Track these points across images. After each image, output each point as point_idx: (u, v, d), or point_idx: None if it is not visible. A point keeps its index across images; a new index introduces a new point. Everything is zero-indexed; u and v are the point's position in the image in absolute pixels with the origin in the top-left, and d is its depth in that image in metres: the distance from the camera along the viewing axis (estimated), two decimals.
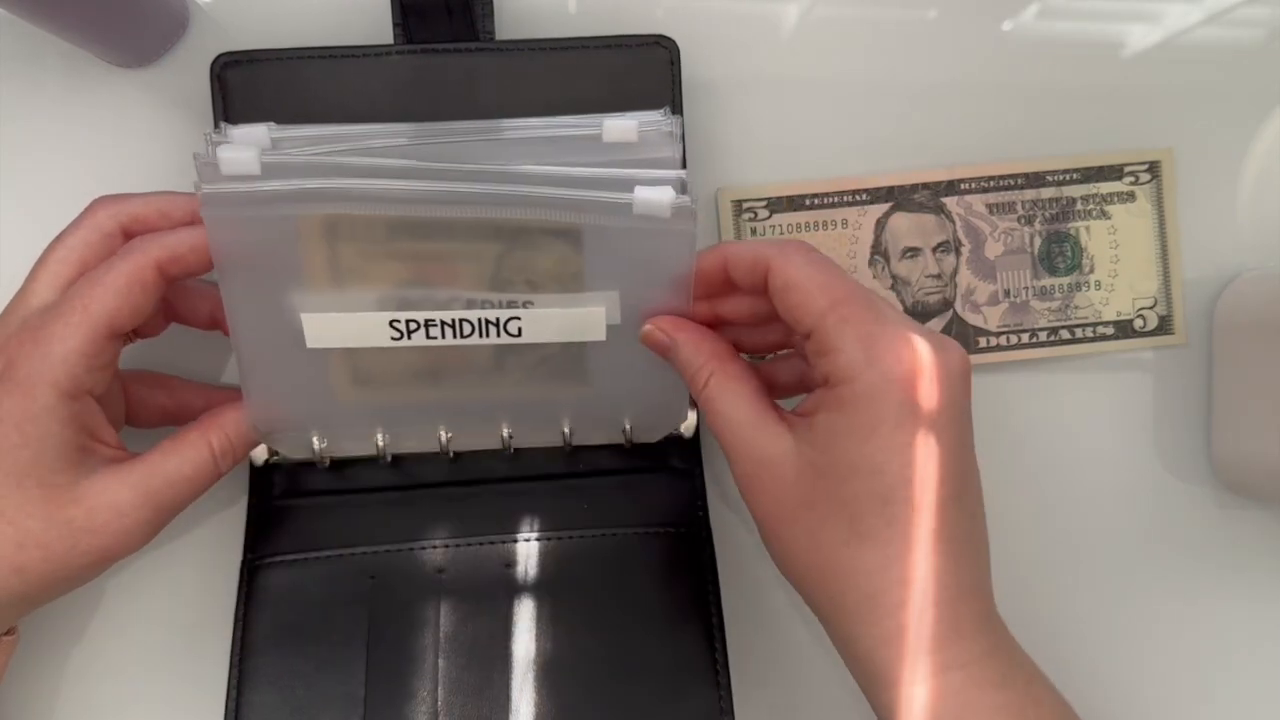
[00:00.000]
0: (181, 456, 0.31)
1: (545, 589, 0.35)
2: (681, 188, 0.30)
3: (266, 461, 0.37)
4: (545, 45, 0.37)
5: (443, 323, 0.32)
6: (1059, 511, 0.41)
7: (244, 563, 0.36)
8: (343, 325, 0.32)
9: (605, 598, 0.35)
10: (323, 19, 0.38)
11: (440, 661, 0.34)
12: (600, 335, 0.33)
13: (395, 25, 0.37)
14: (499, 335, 0.33)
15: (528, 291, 0.32)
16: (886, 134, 0.40)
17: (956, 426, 0.28)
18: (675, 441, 0.38)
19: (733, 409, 0.30)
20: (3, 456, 0.28)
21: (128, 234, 0.31)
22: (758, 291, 0.31)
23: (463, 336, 0.32)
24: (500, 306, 0.32)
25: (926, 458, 0.27)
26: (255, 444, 0.34)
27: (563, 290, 0.32)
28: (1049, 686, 0.29)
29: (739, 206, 0.39)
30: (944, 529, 0.28)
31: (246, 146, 0.30)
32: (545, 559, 0.36)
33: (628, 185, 0.30)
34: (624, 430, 0.37)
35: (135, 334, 0.33)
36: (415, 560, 0.35)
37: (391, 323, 0.32)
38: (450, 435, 0.36)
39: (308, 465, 0.37)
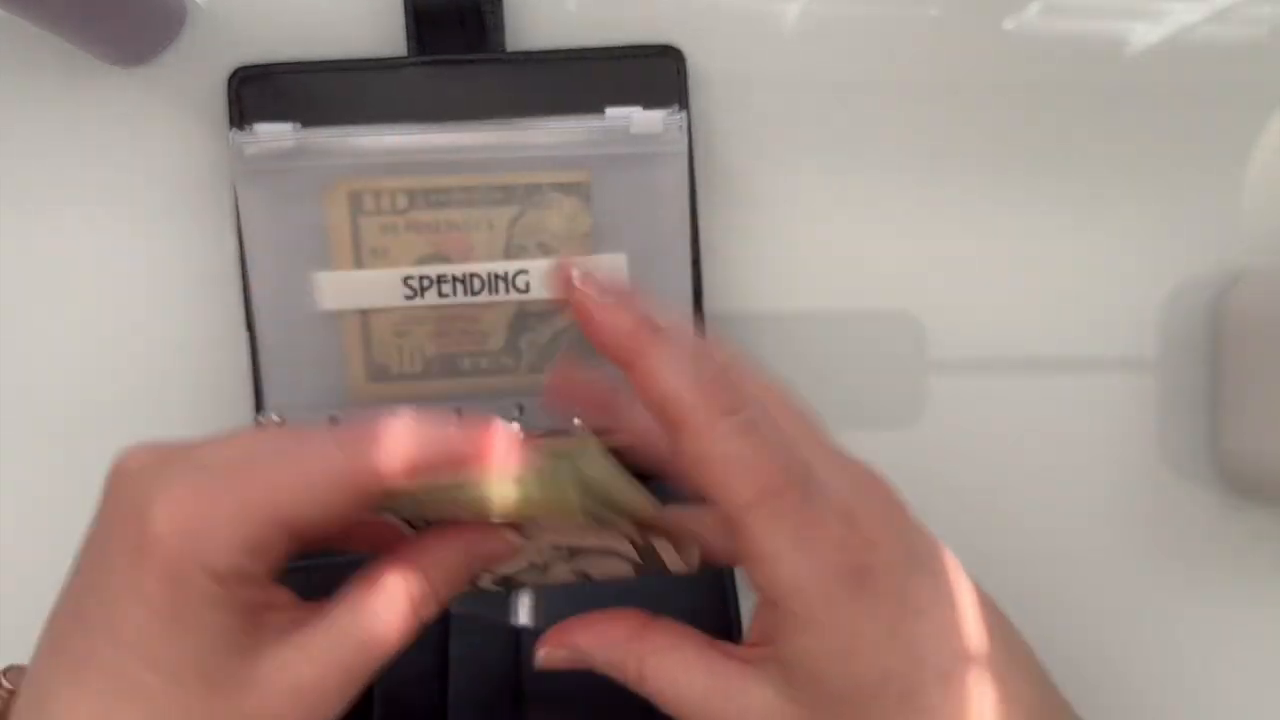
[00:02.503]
0: (373, 612, 0.24)
1: (553, 599, 0.35)
2: (690, 185, 0.33)
3: None
4: (556, 56, 0.38)
5: (454, 278, 0.34)
6: (1061, 511, 0.41)
7: None
8: (357, 283, 0.33)
9: (618, 604, 0.35)
10: (323, 19, 0.38)
11: (447, 668, 0.34)
12: None
13: (409, 37, 0.38)
14: (508, 291, 0.34)
15: (540, 256, 0.34)
16: (886, 134, 0.40)
17: (917, 573, 0.24)
18: None
19: (686, 687, 0.25)
20: (161, 654, 0.22)
21: None
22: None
23: (473, 293, 0.34)
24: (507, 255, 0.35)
25: (936, 630, 0.24)
26: (463, 589, 0.26)
27: (573, 253, 0.34)
28: None
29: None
30: (998, 687, 0.24)
31: (280, 125, 0.32)
32: (559, 586, 0.35)
33: (625, 119, 0.35)
34: None
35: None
36: None
37: (405, 280, 0.34)
38: None
39: None
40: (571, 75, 0.38)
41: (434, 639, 0.34)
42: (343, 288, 0.33)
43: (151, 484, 0.22)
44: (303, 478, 0.22)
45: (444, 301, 0.34)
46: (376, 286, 0.34)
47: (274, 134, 0.32)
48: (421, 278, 0.34)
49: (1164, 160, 0.41)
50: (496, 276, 0.34)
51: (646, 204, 0.35)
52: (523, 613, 0.34)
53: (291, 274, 0.33)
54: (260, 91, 0.37)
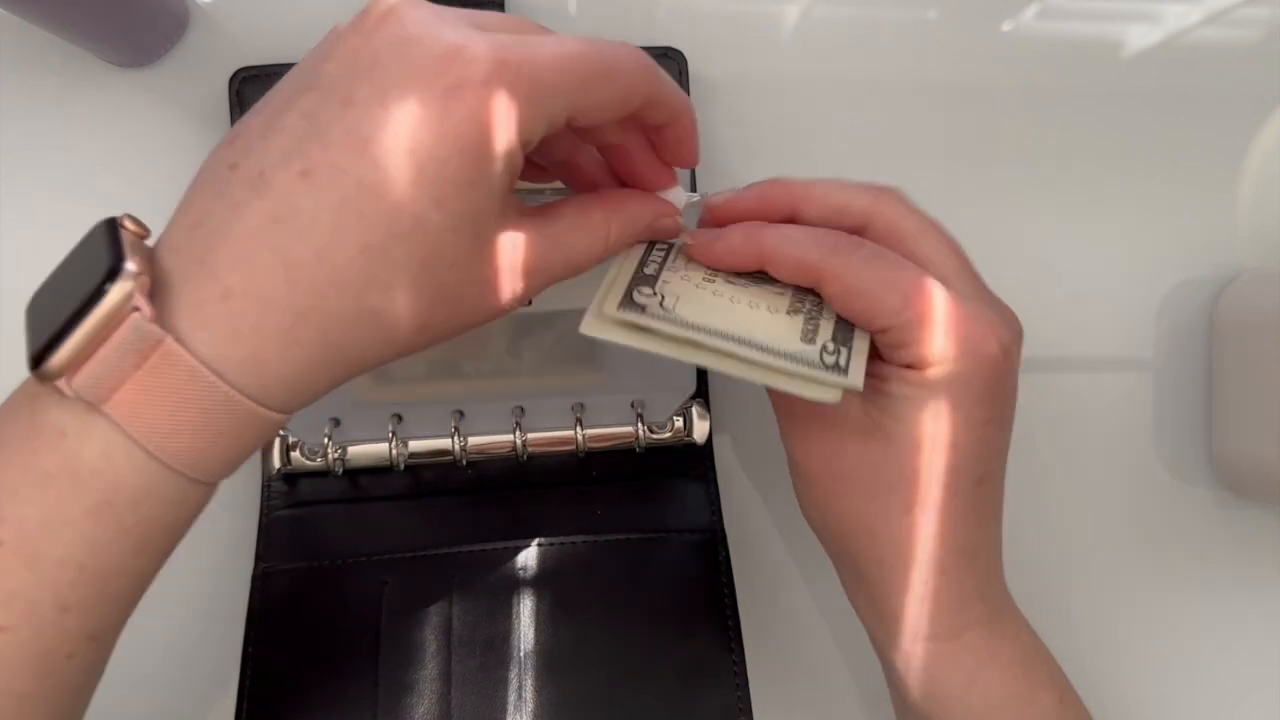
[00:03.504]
0: (579, 234, 0.27)
1: (558, 592, 0.35)
2: (691, 185, 0.32)
3: (279, 470, 0.36)
4: None
5: None
6: (1059, 511, 0.41)
7: (256, 568, 0.35)
8: None
9: (619, 601, 0.35)
10: (322, 19, 0.38)
11: (453, 663, 0.34)
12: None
13: None
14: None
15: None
16: (885, 135, 0.40)
17: (1014, 400, 0.29)
18: (688, 449, 0.38)
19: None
20: (447, 191, 0.22)
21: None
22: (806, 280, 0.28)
23: None
24: None
25: (998, 434, 0.29)
26: (641, 238, 0.29)
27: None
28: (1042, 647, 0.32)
29: None
30: (997, 501, 0.30)
31: None
32: (558, 563, 0.36)
33: None
34: (633, 406, 0.37)
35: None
36: (427, 565, 0.35)
37: None
38: (465, 440, 0.36)
39: (320, 474, 0.37)
40: None
41: (440, 589, 0.35)
42: None
43: (476, 36, 0.22)
44: (602, 59, 0.24)
45: None
46: None
47: None
48: None
49: (1160, 162, 0.41)
50: None
51: None
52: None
53: None
54: (262, 93, 0.36)
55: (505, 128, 0.22)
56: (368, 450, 0.36)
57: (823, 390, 0.27)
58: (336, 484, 0.37)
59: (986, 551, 0.30)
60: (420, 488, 0.37)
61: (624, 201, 0.28)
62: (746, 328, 0.27)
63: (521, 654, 0.34)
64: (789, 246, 0.28)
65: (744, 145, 0.40)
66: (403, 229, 0.22)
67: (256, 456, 0.37)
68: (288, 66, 0.36)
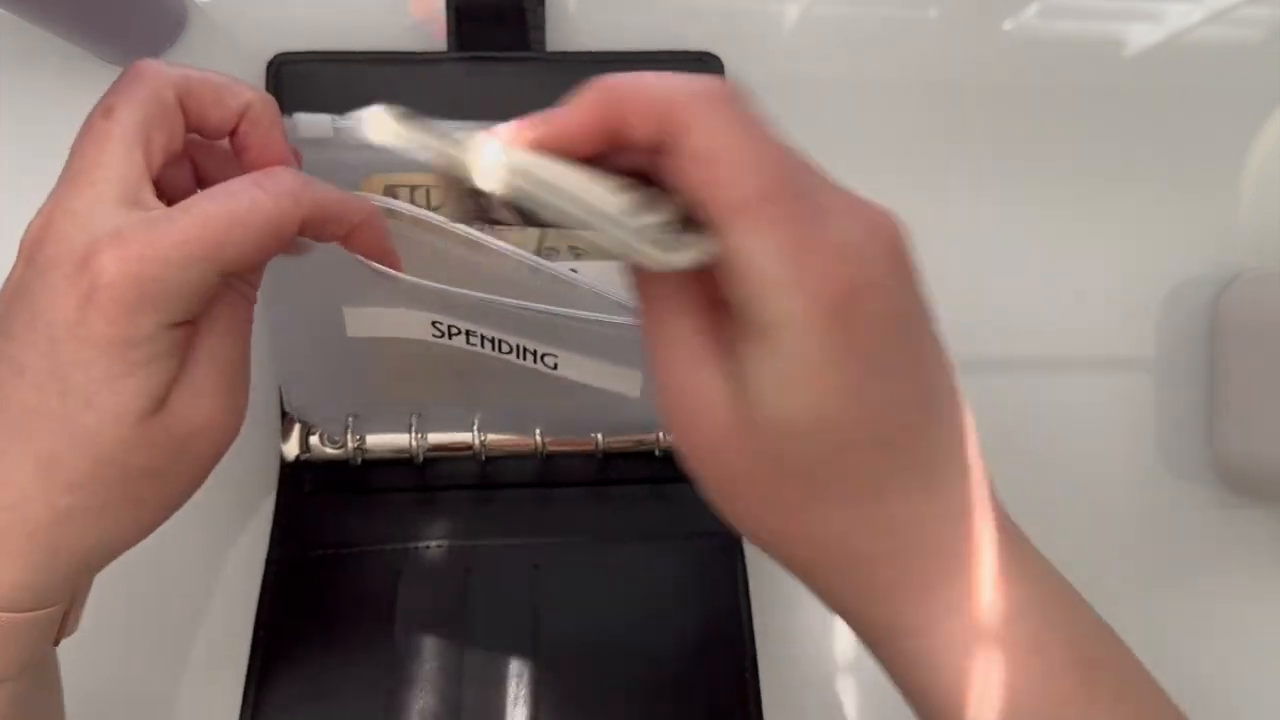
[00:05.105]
0: (227, 303, 0.26)
1: (574, 589, 0.35)
2: None
3: (297, 458, 0.37)
4: (594, 58, 0.38)
5: (484, 336, 0.33)
6: (1060, 511, 0.41)
7: (270, 554, 0.36)
8: (386, 319, 0.33)
9: (634, 600, 0.35)
10: (322, 19, 0.38)
11: (466, 655, 0.34)
12: (634, 393, 0.33)
13: (449, 33, 0.38)
14: (535, 363, 0.33)
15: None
16: (884, 134, 0.40)
17: (909, 332, 0.23)
18: None
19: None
20: (104, 393, 0.23)
21: (184, 110, 0.26)
22: (655, 150, 0.22)
23: (500, 353, 0.33)
24: (540, 337, 0.33)
25: (884, 385, 0.22)
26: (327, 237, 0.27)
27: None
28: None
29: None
30: (916, 462, 0.23)
31: (319, 116, 0.31)
32: (574, 561, 0.36)
33: None
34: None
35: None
36: (443, 557, 0.36)
37: (434, 323, 0.33)
38: (484, 436, 0.36)
39: (338, 464, 0.37)
40: None
41: (454, 582, 0.35)
42: (370, 322, 0.33)
43: (97, 231, 0.23)
44: (236, 215, 0.24)
45: (470, 348, 0.33)
46: (405, 323, 0.33)
47: (314, 124, 0.31)
48: (450, 327, 0.33)
49: (1162, 161, 0.41)
50: (526, 350, 0.33)
51: None
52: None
53: (324, 259, 0.33)
54: (297, 79, 0.37)
55: (141, 316, 0.23)
56: (387, 440, 0.36)
57: (667, 251, 0.22)
58: (352, 476, 0.37)
59: (919, 524, 0.24)
60: (435, 484, 0.37)
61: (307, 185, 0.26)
62: (576, 183, 0.22)
63: (534, 648, 0.34)
64: (651, 88, 0.21)
65: None
66: (68, 437, 0.24)
67: (276, 441, 0.37)
68: (324, 54, 0.37)
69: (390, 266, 0.28)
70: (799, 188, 0.21)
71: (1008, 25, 0.41)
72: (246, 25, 0.38)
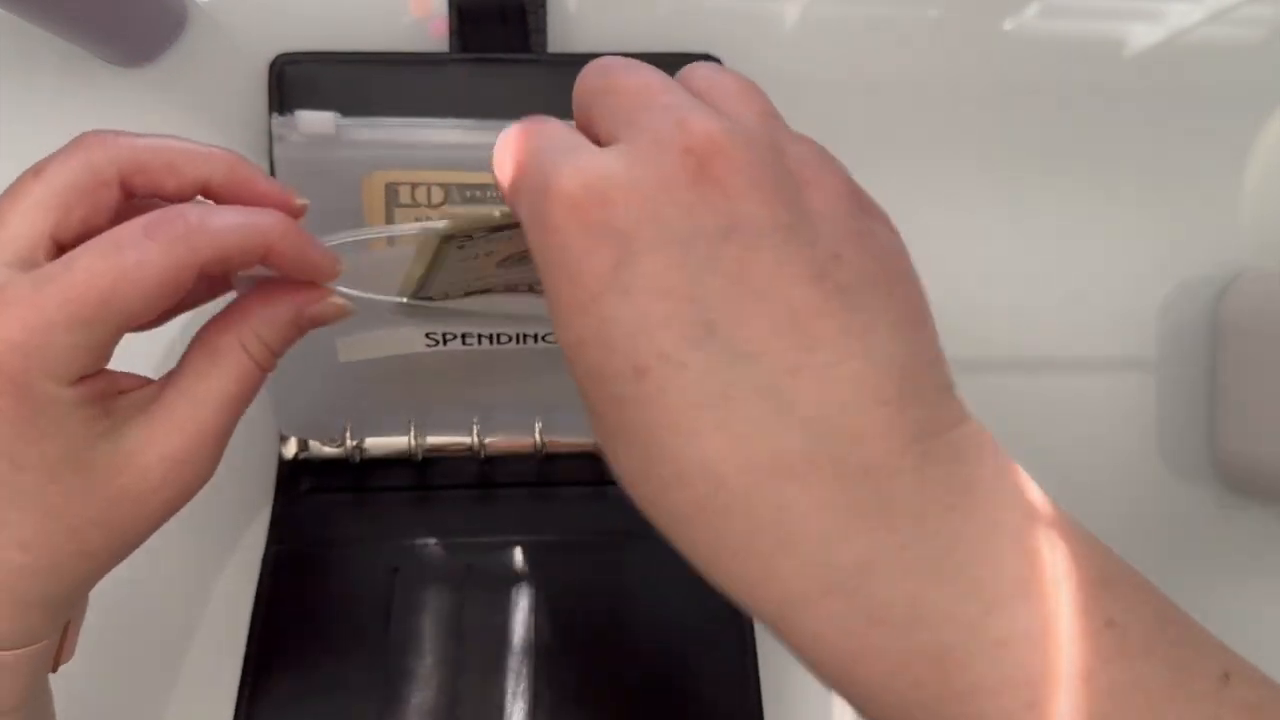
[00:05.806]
0: (222, 373, 0.26)
1: (572, 587, 0.35)
2: None
3: (296, 457, 0.37)
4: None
5: (480, 335, 0.33)
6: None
7: (267, 552, 0.36)
8: (379, 341, 0.33)
9: (632, 597, 0.35)
10: (323, 19, 0.38)
11: (462, 651, 0.34)
12: None
13: (451, 33, 0.38)
14: (537, 344, 0.33)
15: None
16: (884, 134, 0.40)
17: (629, 243, 0.19)
18: None
19: None
20: (29, 455, 0.24)
21: (126, 187, 0.25)
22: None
23: (500, 344, 0.33)
24: (539, 320, 0.33)
25: (622, 300, 0.19)
26: (295, 339, 0.27)
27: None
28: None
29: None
30: (685, 390, 0.19)
31: (322, 114, 0.31)
32: (573, 560, 0.36)
33: None
34: None
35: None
36: (440, 555, 0.36)
37: (428, 334, 0.33)
38: (483, 436, 0.36)
39: (337, 463, 0.37)
40: None
41: (452, 581, 0.35)
42: (362, 346, 0.33)
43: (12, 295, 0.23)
44: (123, 271, 0.23)
45: (468, 348, 0.33)
46: (398, 340, 0.33)
47: (316, 121, 0.31)
48: (444, 334, 0.33)
49: (1163, 161, 0.41)
50: (527, 336, 0.33)
51: None
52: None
53: None
54: (300, 79, 0.37)
55: (36, 385, 0.23)
56: (386, 440, 0.37)
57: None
58: (350, 474, 0.37)
59: (731, 475, 0.19)
60: (434, 483, 0.37)
61: (250, 313, 0.26)
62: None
63: (531, 645, 0.34)
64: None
65: None
66: (8, 498, 0.24)
67: (274, 440, 0.37)
68: (326, 54, 0.37)
69: (326, 270, 0.26)
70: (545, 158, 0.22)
71: (1008, 25, 0.41)
72: (247, 25, 0.38)
